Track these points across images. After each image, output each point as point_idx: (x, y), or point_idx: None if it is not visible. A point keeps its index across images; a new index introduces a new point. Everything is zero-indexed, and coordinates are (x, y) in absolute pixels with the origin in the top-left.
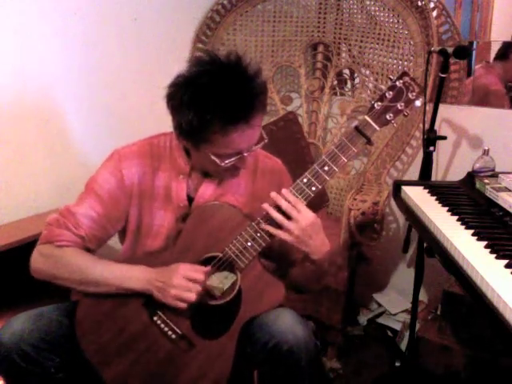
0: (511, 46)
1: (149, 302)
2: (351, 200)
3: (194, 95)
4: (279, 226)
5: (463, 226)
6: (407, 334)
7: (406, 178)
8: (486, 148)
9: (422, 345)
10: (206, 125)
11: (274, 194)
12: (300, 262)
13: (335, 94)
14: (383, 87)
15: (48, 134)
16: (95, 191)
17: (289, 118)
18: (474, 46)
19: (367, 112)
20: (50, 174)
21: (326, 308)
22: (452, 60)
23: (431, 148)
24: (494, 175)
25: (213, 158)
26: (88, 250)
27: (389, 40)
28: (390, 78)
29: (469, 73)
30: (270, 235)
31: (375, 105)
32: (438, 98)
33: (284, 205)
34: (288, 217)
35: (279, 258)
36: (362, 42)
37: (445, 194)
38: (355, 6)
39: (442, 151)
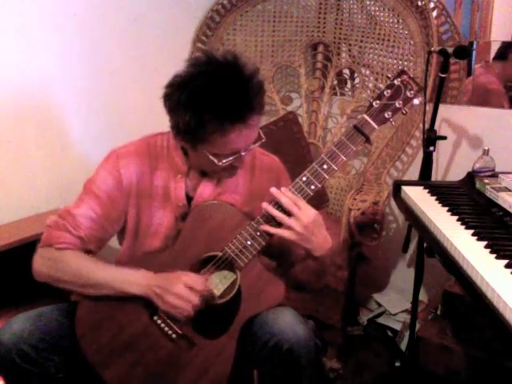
0: (510, 46)
1: (149, 302)
2: (351, 200)
3: (191, 96)
4: (279, 225)
5: (463, 226)
6: (407, 333)
7: (405, 178)
8: (486, 148)
9: (422, 345)
10: (204, 125)
11: (274, 190)
12: (302, 259)
13: (335, 94)
14: (383, 87)
15: (48, 134)
16: (93, 192)
17: (289, 118)
18: (474, 46)
19: (366, 111)
20: (50, 174)
21: (326, 308)
22: (452, 60)
23: (431, 148)
24: (494, 175)
25: (210, 157)
26: (88, 252)
27: (389, 40)
28: (388, 77)
29: (469, 73)
30: (270, 234)
31: (373, 103)
32: (438, 98)
33: (285, 202)
34: (289, 214)
35: (280, 255)
36: (362, 41)
37: (445, 193)
38: (355, 6)
39: (442, 151)
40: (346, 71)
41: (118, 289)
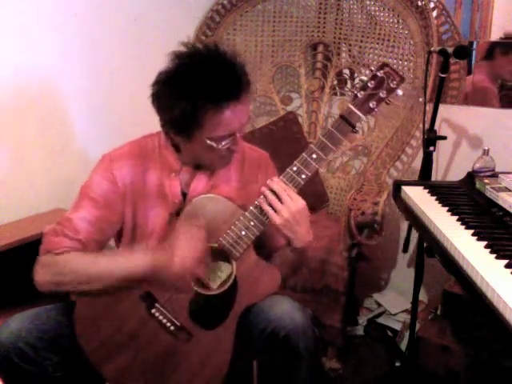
0: (497, 45)
1: (146, 295)
2: (351, 200)
3: (182, 85)
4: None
5: (463, 226)
6: (407, 334)
7: (405, 178)
8: (486, 148)
9: (422, 345)
10: (199, 110)
11: (268, 181)
12: (280, 248)
13: (335, 94)
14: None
15: (48, 134)
16: (89, 196)
17: (289, 117)
18: (474, 46)
19: (351, 101)
20: (50, 174)
21: (326, 308)
22: (452, 60)
23: (431, 148)
24: (494, 175)
25: (209, 142)
26: None
27: (389, 40)
28: (371, 70)
29: (468, 73)
30: (264, 223)
31: (358, 94)
32: (438, 98)
33: (277, 189)
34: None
35: (261, 245)
36: (362, 41)
37: (445, 194)
38: (355, 6)
39: (442, 151)
40: (346, 71)
41: (123, 273)
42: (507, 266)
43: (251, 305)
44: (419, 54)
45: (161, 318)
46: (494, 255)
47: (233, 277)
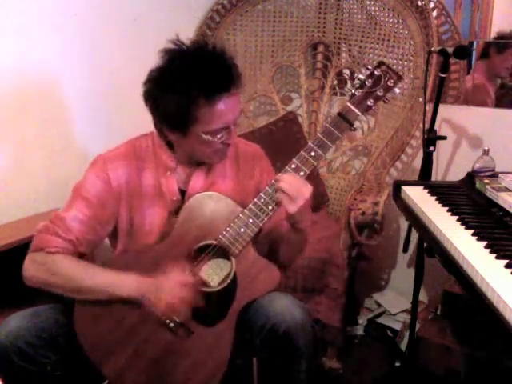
0: (491, 45)
1: None
2: (351, 200)
3: (174, 80)
4: (276, 205)
5: (463, 226)
6: (407, 333)
7: (405, 178)
8: (486, 148)
9: (422, 345)
10: (193, 104)
11: (278, 175)
12: (286, 232)
13: (335, 94)
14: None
15: (48, 134)
16: (82, 195)
17: (289, 117)
18: (474, 46)
19: (349, 99)
20: (50, 174)
21: (326, 308)
22: (452, 60)
23: (431, 148)
24: (494, 175)
25: (204, 137)
26: (80, 254)
27: (389, 40)
28: (367, 68)
29: (468, 72)
30: (263, 220)
31: (356, 92)
32: (438, 98)
33: (288, 178)
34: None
35: (268, 237)
36: (362, 42)
37: (445, 193)
38: (355, 6)
39: (442, 151)
40: (346, 71)
41: (109, 293)
42: (507, 266)
43: (251, 301)
44: (419, 54)
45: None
46: (494, 255)
47: (232, 274)
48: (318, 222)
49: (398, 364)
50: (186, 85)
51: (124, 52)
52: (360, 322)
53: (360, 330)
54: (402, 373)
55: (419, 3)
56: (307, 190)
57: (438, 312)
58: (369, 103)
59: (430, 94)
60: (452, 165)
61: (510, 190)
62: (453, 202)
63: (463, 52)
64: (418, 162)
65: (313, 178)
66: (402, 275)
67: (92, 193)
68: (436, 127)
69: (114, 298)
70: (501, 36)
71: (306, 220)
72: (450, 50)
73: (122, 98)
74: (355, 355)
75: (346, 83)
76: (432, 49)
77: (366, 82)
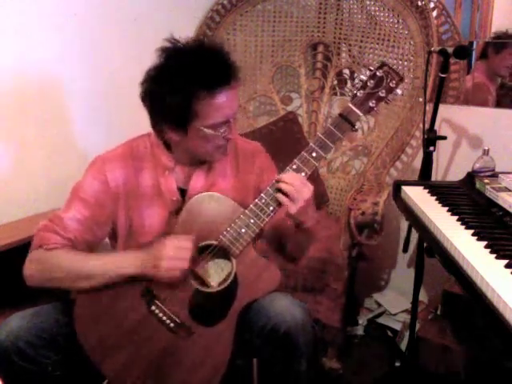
0: (490, 45)
1: (146, 292)
2: (351, 200)
3: (174, 77)
4: (279, 204)
5: (463, 226)
6: (407, 333)
7: (405, 178)
8: (486, 148)
9: (421, 345)
10: (193, 98)
11: (279, 175)
12: (292, 234)
13: (335, 94)
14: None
15: (48, 134)
16: (80, 196)
17: (289, 118)
18: (474, 46)
19: (350, 100)
20: (50, 174)
21: (326, 308)
22: (452, 60)
23: (431, 148)
24: (494, 175)
25: (206, 131)
26: None
27: (389, 40)
28: (369, 69)
29: (468, 72)
30: (264, 221)
31: (358, 93)
32: (438, 98)
33: (289, 178)
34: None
35: (274, 233)
36: (362, 42)
37: (445, 193)
38: (355, 6)
39: (442, 151)
40: (346, 71)
41: (112, 273)
42: (507, 266)
43: (251, 302)
44: (419, 54)
45: (161, 315)
46: (494, 255)
47: (233, 274)
48: (318, 222)
49: (398, 364)
50: (184, 80)
51: (124, 52)
52: (360, 322)
53: (360, 330)
54: (402, 373)
55: (419, 3)
56: (308, 190)
57: (438, 312)
58: (371, 104)
59: (430, 93)
60: (452, 165)
61: (510, 190)
62: (453, 202)
63: (463, 52)
64: (418, 162)
65: (313, 178)
66: (402, 275)
67: (90, 193)
68: (436, 127)
69: (116, 278)
70: (498, 35)
71: (310, 220)
72: (450, 49)
73: (122, 98)
74: (355, 355)
75: (345, 83)
76: (432, 49)
77: (368, 83)
